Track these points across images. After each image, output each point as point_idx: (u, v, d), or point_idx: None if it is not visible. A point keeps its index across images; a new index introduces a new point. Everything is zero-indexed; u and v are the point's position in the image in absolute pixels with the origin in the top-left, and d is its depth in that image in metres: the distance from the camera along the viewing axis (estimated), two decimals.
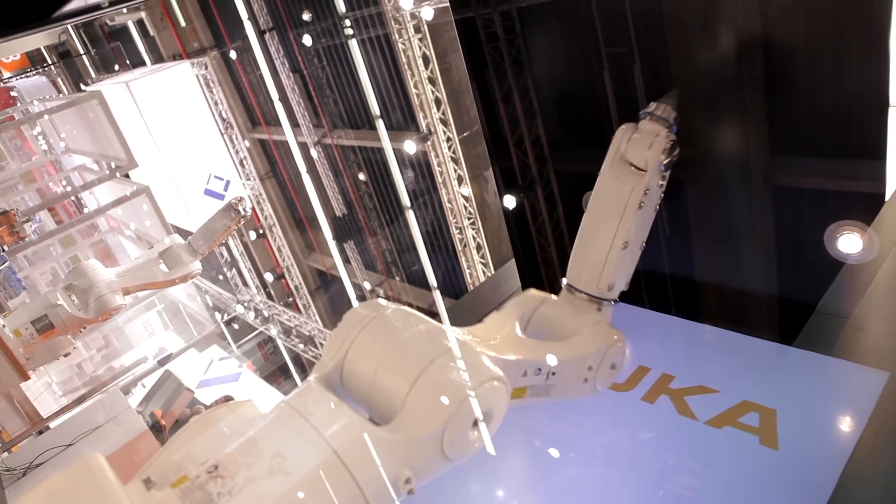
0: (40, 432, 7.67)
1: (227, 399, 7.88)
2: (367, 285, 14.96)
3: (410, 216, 12.39)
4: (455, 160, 11.68)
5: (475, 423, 1.74)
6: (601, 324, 2.50)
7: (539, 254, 8.69)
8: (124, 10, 16.51)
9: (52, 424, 7.87)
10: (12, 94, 20.59)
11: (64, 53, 21.35)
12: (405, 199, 12.45)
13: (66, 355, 4.94)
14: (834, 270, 4.12)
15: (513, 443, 2.89)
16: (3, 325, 4.27)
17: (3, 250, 7.05)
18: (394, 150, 12.39)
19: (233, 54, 15.96)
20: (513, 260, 9.30)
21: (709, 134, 6.20)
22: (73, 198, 15.17)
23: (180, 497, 1.46)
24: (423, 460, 1.67)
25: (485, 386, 1.73)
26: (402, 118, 12.61)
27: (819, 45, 5.14)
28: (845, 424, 2.83)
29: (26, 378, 4.11)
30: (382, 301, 1.99)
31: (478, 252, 12.11)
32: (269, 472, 1.51)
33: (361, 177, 14.04)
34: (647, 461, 2.79)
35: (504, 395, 1.81)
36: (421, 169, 12.71)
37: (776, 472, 2.52)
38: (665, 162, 2.83)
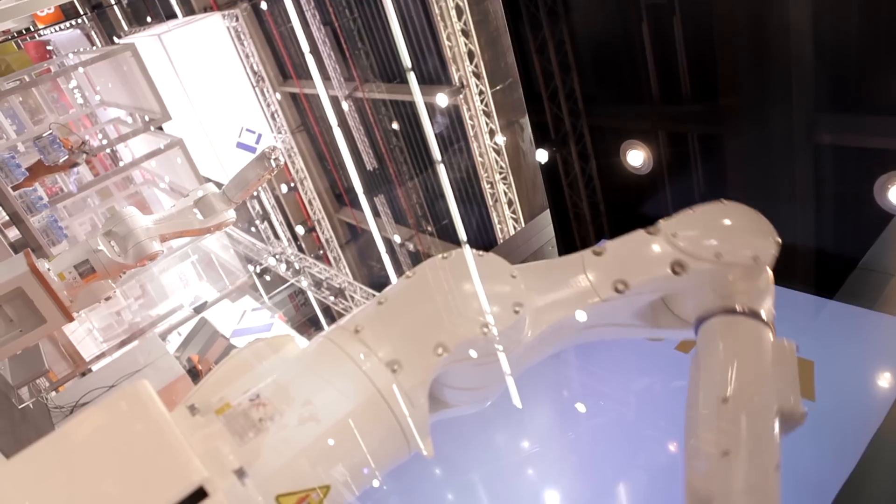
0: (83, 374, 7.97)
1: None
2: (397, 239, 15.03)
3: (441, 170, 12.32)
4: (487, 114, 11.53)
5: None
6: None
7: (571, 209, 8.61)
8: None
9: (94, 368, 8.17)
10: (48, 47, 20.78)
11: (97, 5, 21.42)
12: (436, 153, 12.37)
13: (107, 299, 5.08)
14: (879, 226, 4.01)
15: (540, 393, 2.90)
16: (49, 269, 4.39)
17: (41, 196, 7.24)
18: (425, 103, 12.26)
19: (263, 6, 15.82)
20: (545, 212, 9.22)
21: (750, 87, 6.01)
22: (108, 151, 15.39)
23: (224, 423, 1.51)
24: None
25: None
26: (434, 71, 12.43)
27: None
28: (884, 379, 2.79)
29: (71, 319, 4.24)
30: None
31: (509, 207, 12.04)
32: (307, 402, 1.54)
33: (395, 126, 13.95)
34: (679, 410, 2.78)
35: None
36: (452, 122, 12.58)
37: (812, 423, 2.49)
38: None
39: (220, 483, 1.30)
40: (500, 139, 11.50)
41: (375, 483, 1.62)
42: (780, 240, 1.96)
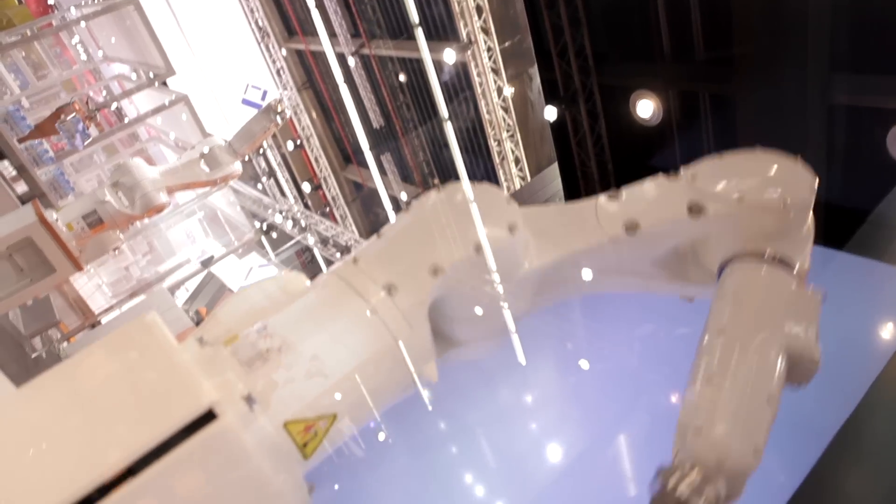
0: (93, 327, 8.08)
1: None
2: (403, 196, 14.97)
3: (448, 128, 12.21)
4: (495, 70, 11.36)
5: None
6: None
7: (579, 168, 8.53)
8: None
9: (103, 321, 8.28)
10: (49, 2, 20.46)
11: None
12: (443, 111, 12.24)
13: (115, 250, 5.12)
14: (890, 180, 3.96)
15: (544, 346, 2.92)
16: (57, 220, 4.42)
17: (47, 149, 7.24)
18: (433, 60, 12.07)
19: None
20: (552, 166, 9.15)
21: (765, 46, 5.87)
22: (113, 108, 15.30)
23: (232, 352, 1.53)
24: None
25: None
26: (442, 27, 12.21)
27: None
28: (887, 329, 2.79)
29: (80, 268, 4.28)
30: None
31: (516, 165, 11.95)
32: (311, 332, 1.57)
33: (402, 78, 13.78)
34: (683, 356, 2.80)
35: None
36: (460, 79, 12.41)
37: None
38: None
39: (228, 407, 1.33)
40: (508, 90, 11.33)
41: (379, 412, 1.65)
42: (815, 184, 1.89)
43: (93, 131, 13.09)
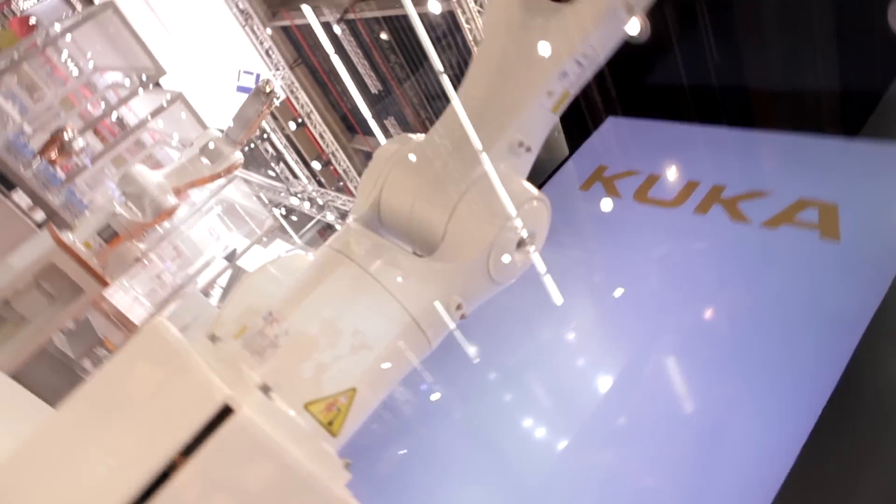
0: None
1: None
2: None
3: (445, 80, 12.02)
4: (482, 13, 11.08)
5: (519, 245, 1.72)
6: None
7: (580, 95, 8.34)
8: None
9: None
10: (31, 22, 20.39)
11: None
12: (437, 64, 12.03)
13: (138, 260, 5.19)
14: None
15: (557, 280, 2.89)
16: (74, 241, 4.48)
17: (55, 172, 7.31)
18: (419, 14, 11.82)
19: None
20: None
21: None
22: (114, 119, 15.33)
23: (243, 345, 1.54)
24: (470, 286, 1.68)
25: (525, 207, 1.69)
26: None
27: None
28: None
29: (105, 284, 4.36)
30: (411, 134, 1.95)
31: None
32: (318, 309, 1.57)
33: (384, 36, 13.56)
34: (702, 270, 2.76)
35: (545, 214, 1.78)
36: (450, 29, 12.15)
37: (837, 264, 2.44)
38: None
39: (245, 400, 1.34)
40: None
41: (398, 378, 1.66)
42: None
43: (98, 144, 13.17)
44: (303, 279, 1.66)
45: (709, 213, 2.78)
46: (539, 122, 1.89)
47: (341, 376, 1.52)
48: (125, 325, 8.73)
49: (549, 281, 2.87)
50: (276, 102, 5.26)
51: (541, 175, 4.32)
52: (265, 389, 1.41)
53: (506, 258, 1.67)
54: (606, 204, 3.24)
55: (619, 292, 2.85)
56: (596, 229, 3.19)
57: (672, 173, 3.18)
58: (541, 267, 2.04)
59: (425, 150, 1.83)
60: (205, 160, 5.11)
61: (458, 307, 1.63)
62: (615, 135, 3.61)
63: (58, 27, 14.65)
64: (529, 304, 2.92)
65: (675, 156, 3.30)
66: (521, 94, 1.81)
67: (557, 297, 2.71)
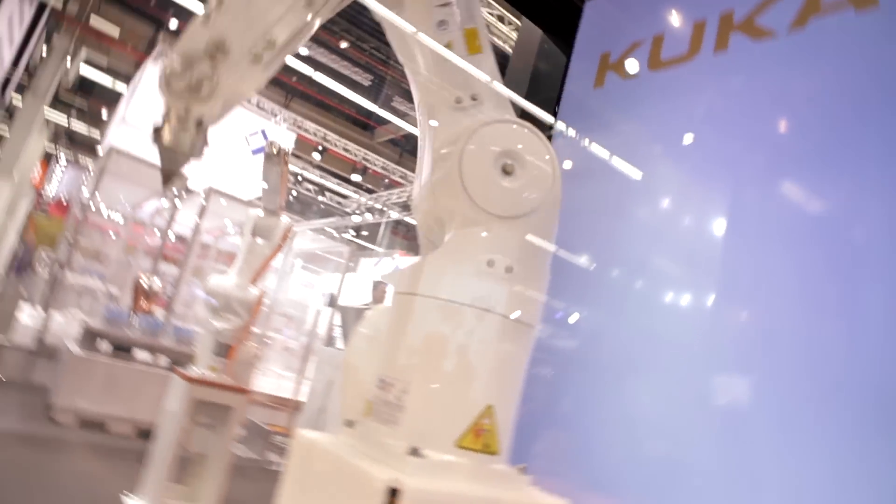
0: (297, 408, 8.77)
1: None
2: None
3: None
4: None
5: (507, 171, 1.60)
6: None
7: None
8: None
9: (301, 398, 8.95)
10: (62, 201, 21.64)
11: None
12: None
13: (256, 357, 5.44)
14: None
15: None
16: (203, 373, 4.73)
17: (154, 319, 7.79)
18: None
19: None
20: None
21: None
22: (173, 239, 16.09)
23: (376, 419, 1.57)
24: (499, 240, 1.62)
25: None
26: None
27: None
28: None
29: (247, 392, 4.60)
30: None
31: None
32: (423, 356, 1.57)
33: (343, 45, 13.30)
34: (752, 108, 2.51)
35: (512, 136, 1.64)
36: None
37: (881, 35, 2.14)
38: None
39: (402, 471, 1.36)
40: None
41: (524, 368, 1.64)
42: None
43: (173, 270, 13.88)
44: (391, 331, 1.66)
45: (729, 47, 2.50)
46: None
47: (472, 403, 1.52)
48: (283, 404, 9.27)
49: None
50: (289, 152, 5.30)
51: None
52: (415, 452, 1.43)
53: (495, 187, 1.57)
54: (627, 89, 2.96)
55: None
56: (633, 122, 2.94)
57: (674, 23, 2.90)
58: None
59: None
60: (259, 240, 5.24)
61: (489, 263, 1.54)
62: (601, 17, 3.30)
63: (85, 192, 15.45)
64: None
65: (667, 4, 2.97)
66: None
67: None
